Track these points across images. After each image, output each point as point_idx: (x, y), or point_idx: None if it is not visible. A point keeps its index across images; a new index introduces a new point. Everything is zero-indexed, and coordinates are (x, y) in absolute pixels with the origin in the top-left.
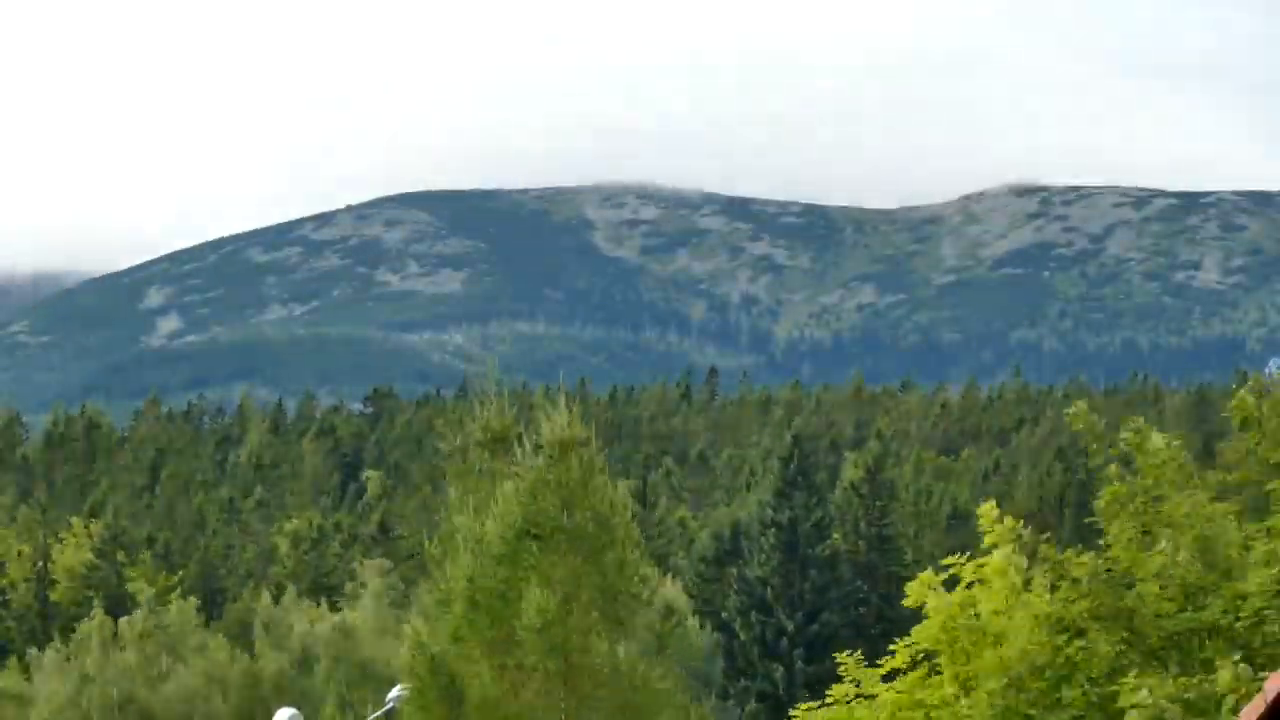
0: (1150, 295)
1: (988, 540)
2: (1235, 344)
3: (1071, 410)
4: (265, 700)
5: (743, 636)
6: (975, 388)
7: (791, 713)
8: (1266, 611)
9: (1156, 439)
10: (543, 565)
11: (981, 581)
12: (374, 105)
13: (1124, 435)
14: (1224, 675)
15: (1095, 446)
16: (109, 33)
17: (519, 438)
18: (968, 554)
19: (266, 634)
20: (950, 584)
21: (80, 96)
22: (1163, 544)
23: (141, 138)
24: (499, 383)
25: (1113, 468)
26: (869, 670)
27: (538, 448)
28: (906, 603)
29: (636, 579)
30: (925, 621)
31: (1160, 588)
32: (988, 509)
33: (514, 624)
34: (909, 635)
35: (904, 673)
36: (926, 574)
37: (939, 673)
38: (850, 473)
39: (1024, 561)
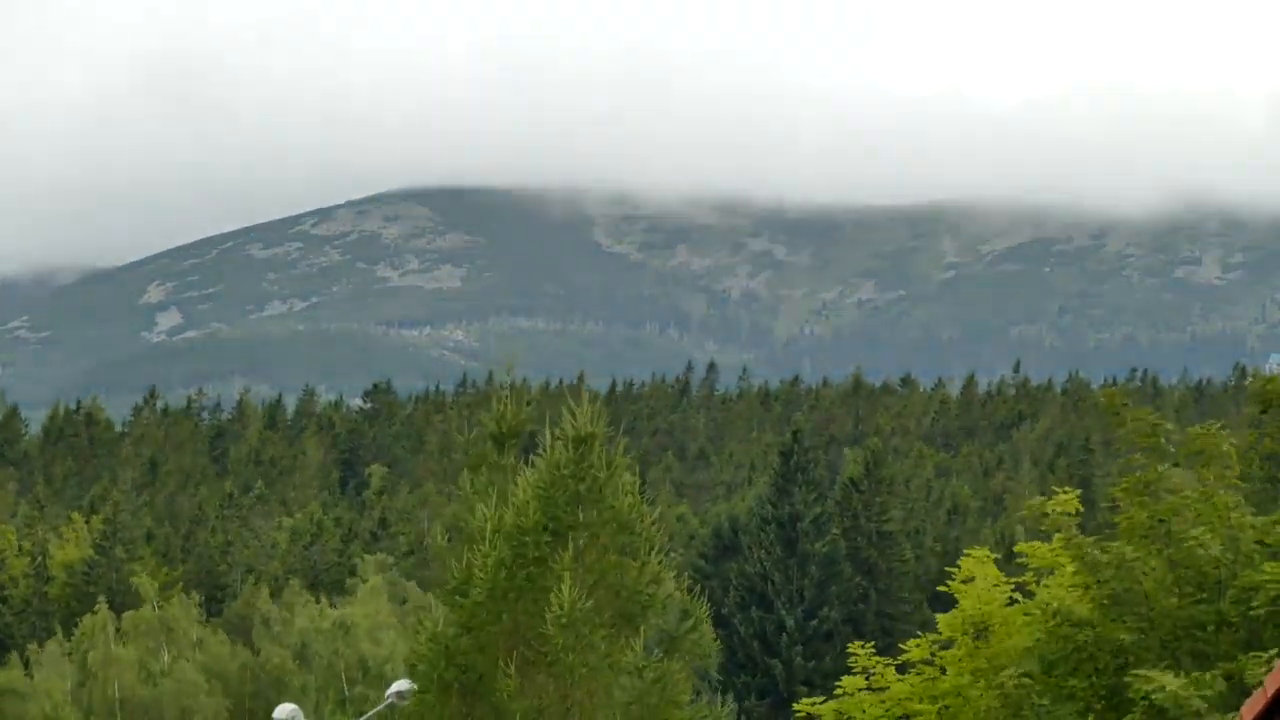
0: (1150, 291)
1: (1047, 526)
2: (1235, 340)
3: (1103, 396)
4: (264, 695)
5: (743, 632)
6: (975, 384)
7: (795, 707)
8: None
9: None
10: (561, 560)
11: (1052, 571)
12: (373, 100)
13: (1190, 432)
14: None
15: (1122, 432)
16: (109, 29)
17: (534, 433)
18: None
19: (266, 629)
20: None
21: (79, 94)
22: (1196, 531)
23: (140, 134)
24: (512, 377)
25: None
26: (881, 659)
27: (557, 441)
28: (958, 575)
29: (651, 579)
30: (957, 607)
31: (1175, 578)
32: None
33: (532, 616)
34: (917, 632)
35: (917, 666)
36: (980, 549)
37: (945, 672)
38: (850, 468)
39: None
